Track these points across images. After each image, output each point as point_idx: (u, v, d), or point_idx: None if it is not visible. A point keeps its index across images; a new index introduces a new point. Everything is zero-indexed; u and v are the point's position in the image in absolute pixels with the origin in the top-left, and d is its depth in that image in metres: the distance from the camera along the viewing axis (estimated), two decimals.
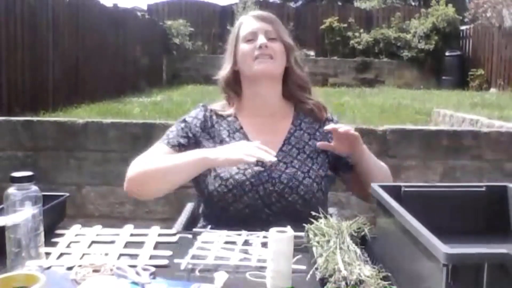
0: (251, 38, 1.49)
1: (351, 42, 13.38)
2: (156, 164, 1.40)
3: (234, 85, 1.56)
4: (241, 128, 1.52)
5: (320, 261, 0.98)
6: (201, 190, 1.50)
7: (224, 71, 1.55)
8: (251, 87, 1.53)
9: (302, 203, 1.42)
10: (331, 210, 1.64)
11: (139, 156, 1.46)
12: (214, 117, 1.55)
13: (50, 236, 1.22)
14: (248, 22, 1.52)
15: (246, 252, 1.15)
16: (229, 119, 1.54)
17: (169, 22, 12.68)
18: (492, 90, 11.04)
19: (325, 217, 1.15)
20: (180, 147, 1.48)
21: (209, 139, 1.51)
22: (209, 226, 1.42)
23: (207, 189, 1.46)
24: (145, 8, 14.44)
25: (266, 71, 1.48)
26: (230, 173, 1.42)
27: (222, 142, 1.49)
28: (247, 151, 1.30)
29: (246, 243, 1.21)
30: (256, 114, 1.54)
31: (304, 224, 1.15)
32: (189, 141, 1.50)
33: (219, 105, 1.60)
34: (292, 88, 1.57)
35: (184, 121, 1.54)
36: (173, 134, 1.51)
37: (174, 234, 1.30)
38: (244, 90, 1.55)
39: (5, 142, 2.99)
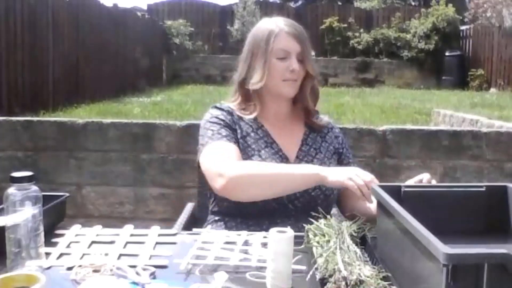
0: (283, 56, 1.49)
1: (351, 42, 13.38)
2: (263, 170, 1.38)
3: (260, 92, 1.55)
4: (262, 126, 1.55)
5: (320, 261, 0.98)
6: None
7: (259, 83, 1.51)
8: (272, 97, 1.56)
9: (323, 198, 1.48)
10: (333, 210, 1.65)
11: (218, 156, 1.41)
12: (234, 114, 1.55)
13: (50, 236, 1.22)
14: (282, 37, 1.50)
15: (246, 252, 1.15)
16: (247, 118, 1.54)
17: (169, 22, 12.68)
18: (492, 90, 11.04)
19: (325, 217, 1.15)
20: (235, 143, 1.47)
21: (235, 130, 1.51)
22: (223, 222, 1.45)
23: None
24: (145, 8, 14.43)
25: (290, 95, 1.53)
26: None
27: (247, 136, 1.51)
28: (351, 175, 1.29)
29: (246, 243, 1.21)
30: (273, 116, 1.57)
31: (304, 225, 1.16)
32: (235, 135, 1.49)
33: (231, 105, 1.60)
34: (302, 102, 1.59)
35: (217, 119, 1.51)
36: (223, 131, 1.48)
37: (174, 234, 1.30)
38: (264, 95, 1.56)
39: (5, 142, 2.99)
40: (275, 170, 1.38)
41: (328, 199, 1.50)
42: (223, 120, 1.50)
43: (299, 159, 1.52)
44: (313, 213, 1.20)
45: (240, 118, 1.54)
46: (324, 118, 1.65)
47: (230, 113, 1.53)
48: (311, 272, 0.98)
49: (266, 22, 1.55)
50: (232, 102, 1.58)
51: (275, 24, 1.52)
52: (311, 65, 1.52)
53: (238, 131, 1.50)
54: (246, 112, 1.55)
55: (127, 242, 1.22)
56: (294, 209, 1.45)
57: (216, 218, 1.53)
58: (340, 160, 1.62)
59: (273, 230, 1.00)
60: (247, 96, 1.55)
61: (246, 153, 1.47)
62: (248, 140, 1.50)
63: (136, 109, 5.94)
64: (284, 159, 1.50)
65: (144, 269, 1.03)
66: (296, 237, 1.02)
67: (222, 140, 1.45)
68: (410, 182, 1.33)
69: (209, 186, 1.53)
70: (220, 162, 1.39)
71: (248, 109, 1.55)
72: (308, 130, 1.60)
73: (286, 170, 1.38)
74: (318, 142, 1.59)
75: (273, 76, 1.50)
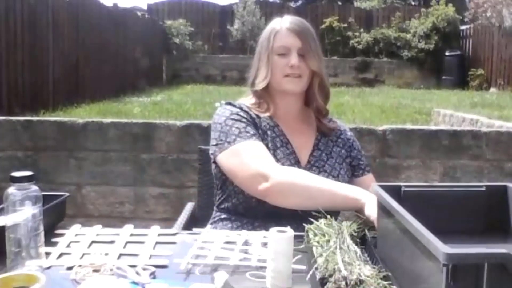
0: (284, 52, 1.50)
1: (351, 42, 13.38)
2: (309, 181, 1.36)
3: (268, 90, 1.55)
4: (278, 125, 1.54)
5: (320, 261, 0.98)
6: (231, 183, 1.47)
7: (263, 82, 1.52)
8: (279, 95, 1.55)
9: None
10: None
11: (257, 156, 1.39)
12: (250, 112, 1.54)
13: (50, 236, 1.22)
14: (282, 34, 1.51)
15: (246, 252, 1.15)
16: (263, 117, 1.54)
17: (169, 22, 12.69)
18: (492, 89, 11.04)
19: (325, 217, 1.15)
20: (263, 142, 1.46)
21: (257, 128, 1.50)
22: (229, 221, 1.45)
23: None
24: (145, 8, 14.44)
25: (294, 90, 1.52)
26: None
27: (264, 134, 1.50)
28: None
29: (246, 243, 1.21)
30: (284, 115, 1.56)
31: (304, 224, 1.16)
32: (260, 133, 1.48)
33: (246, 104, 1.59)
34: (312, 101, 1.58)
35: (239, 116, 1.49)
36: (250, 129, 1.46)
37: (174, 234, 1.29)
38: (272, 94, 1.56)
39: (5, 142, 2.99)
40: (319, 185, 1.36)
41: None
42: (245, 118, 1.49)
43: (311, 164, 1.51)
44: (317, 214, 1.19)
45: (257, 116, 1.53)
46: (336, 121, 1.64)
47: (246, 111, 1.52)
48: (311, 272, 0.98)
49: (272, 22, 1.57)
50: (245, 101, 1.58)
51: (279, 22, 1.54)
52: (314, 61, 1.50)
53: (260, 131, 1.50)
54: (261, 110, 1.54)
55: (127, 242, 1.22)
56: (302, 214, 1.43)
57: (223, 216, 1.52)
58: (352, 164, 1.60)
59: (273, 230, 1.00)
60: (259, 96, 1.55)
61: None
62: (266, 138, 1.50)
63: (136, 109, 5.94)
64: (296, 162, 1.49)
65: (144, 269, 1.03)
66: (297, 237, 1.02)
67: (252, 139, 1.43)
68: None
69: (218, 182, 1.53)
70: (263, 163, 1.37)
71: (262, 107, 1.55)
72: (320, 135, 1.58)
73: (330, 187, 1.35)
74: (329, 146, 1.57)
75: (275, 73, 1.51)
